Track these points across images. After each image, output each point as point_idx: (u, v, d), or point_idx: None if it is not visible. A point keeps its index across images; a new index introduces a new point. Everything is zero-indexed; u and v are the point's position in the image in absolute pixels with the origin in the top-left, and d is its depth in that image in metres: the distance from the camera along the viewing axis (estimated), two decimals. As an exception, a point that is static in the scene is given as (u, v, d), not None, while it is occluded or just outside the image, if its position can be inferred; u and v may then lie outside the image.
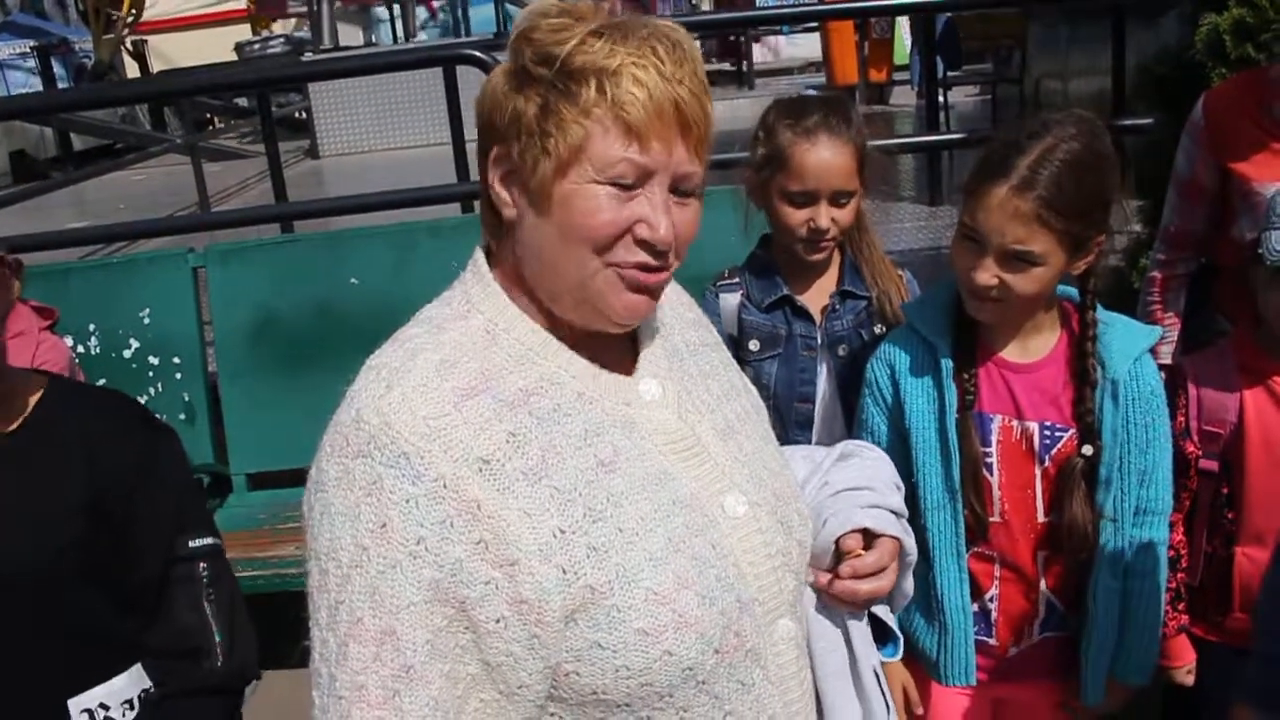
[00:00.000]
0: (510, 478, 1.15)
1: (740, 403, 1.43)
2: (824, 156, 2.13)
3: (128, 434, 1.81)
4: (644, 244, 1.20)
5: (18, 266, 1.74)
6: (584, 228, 1.19)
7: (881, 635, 1.51)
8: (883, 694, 1.44)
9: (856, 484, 1.48)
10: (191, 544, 1.80)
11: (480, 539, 1.13)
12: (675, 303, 1.46)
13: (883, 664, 1.48)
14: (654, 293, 1.25)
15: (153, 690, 1.79)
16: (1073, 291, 2.03)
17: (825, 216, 2.16)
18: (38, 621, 1.70)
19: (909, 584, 1.54)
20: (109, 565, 1.74)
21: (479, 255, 1.32)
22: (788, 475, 1.42)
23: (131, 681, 1.78)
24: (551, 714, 1.19)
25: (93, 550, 1.72)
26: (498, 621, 1.13)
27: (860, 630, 1.44)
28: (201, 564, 1.80)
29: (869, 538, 1.43)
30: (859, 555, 1.41)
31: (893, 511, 1.47)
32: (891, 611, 1.54)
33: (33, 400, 1.77)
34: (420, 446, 1.13)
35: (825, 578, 1.41)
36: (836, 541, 1.41)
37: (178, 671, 1.78)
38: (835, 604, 1.42)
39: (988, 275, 1.90)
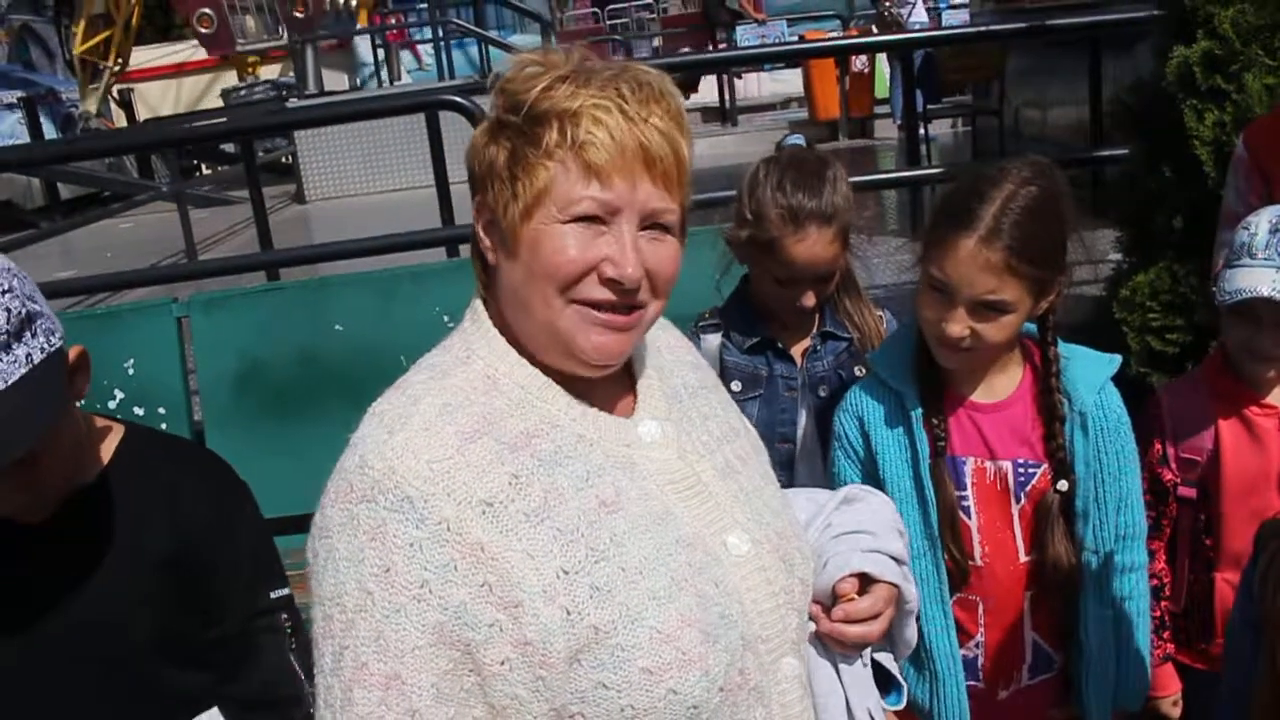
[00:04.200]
0: (513, 519, 1.16)
1: (740, 443, 1.44)
2: (814, 250, 2.13)
3: (210, 487, 1.78)
4: (611, 282, 1.21)
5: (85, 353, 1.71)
6: (549, 266, 1.20)
7: (886, 682, 1.50)
8: None
9: (858, 528, 1.48)
10: (273, 594, 1.78)
11: (484, 581, 1.14)
12: (675, 346, 1.47)
13: (884, 710, 1.47)
14: (626, 333, 1.25)
15: None
16: (1031, 327, 2.04)
17: (810, 298, 2.18)
18: (106, 679, 1.68)
19: (911, 631, 1.53)
20: (185, 619, 1.72)
21: (477, 303, 1.33)
22: (789, 514, 1.42)
23: None
24: None
25: (170, 603, 1.70)
26: (503, 664, 1.14)
27: (853, 674, 1.43)
28: (282, 614, 1.79)
29: (867, 582, 1.42)
30: (852, 599, 1.40)
31: (893, 557, 1.47)
32: (895, 659, 1.53)
33: (109, 450, 1.74)
34: (424, 490, 1.14)
35: (818, 613, 1.41)
36: (833, 588, 1.41)
37: None
38: (830, 645, 1.42)
39: (959, 327, 1.89)
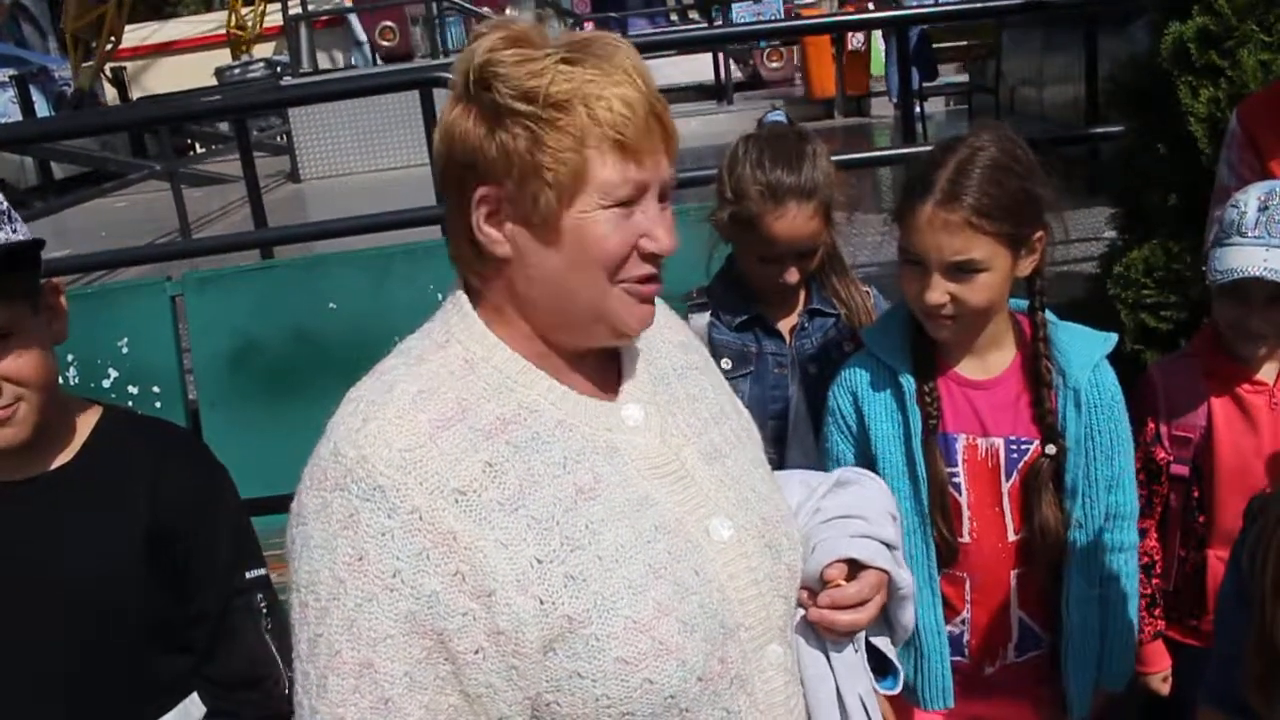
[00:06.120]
0: (487, 508, 1.16)
1: (730, 425, 1.43)
2: (794, 226, 2.13)
3: (189, 466, 1.79)
4: (650, 257, 1.24)
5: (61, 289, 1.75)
6: (598, 253, 1.21)
7: (882, 666, 1.49)
8: None
9: (848, 512, 1.46)
10: (248, 574, 1.79)
11: (457, 570, 1.13)
12: (664, 324, 1.45)
13: (878, 695, 1.46)
14: (654, 301, 1.29)
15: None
16: (1022, 304, 2.05)
17: (793, 274, 2.18)
18: (89, 657, 1.69)
19: (908, 616, 1.51)
20: (165, 599, 1.72)
21: (458, 288, 1.31)
22: (778, 499, 1.41)
23: (181, 719, 1.77)
24: None
25: (149, 584, 1.71)
26: (476, 653, 1.14)
27: (844, 660, 1.41)
28: (258, 594, 1.80)
29: (856, 568, 1.41)
30: (839, 585, 1.39)
31: (885, 543, 1.45)
32: (893, 644, 1.52)
33: (88, 429, 1.75)
34: (396, 479, 1.14)
35: (806, 600, 1.39)
36: (821, 574, 1.40)
37: (250, 701, 1.77)
38: (819, 632, 1.40)
39: (938, 294, 1.90)
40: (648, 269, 1.24)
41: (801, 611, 1.39)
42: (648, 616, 1.17)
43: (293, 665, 1.21)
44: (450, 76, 1.26)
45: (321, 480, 1.17)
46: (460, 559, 1.13)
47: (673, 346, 1.45)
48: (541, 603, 1.14)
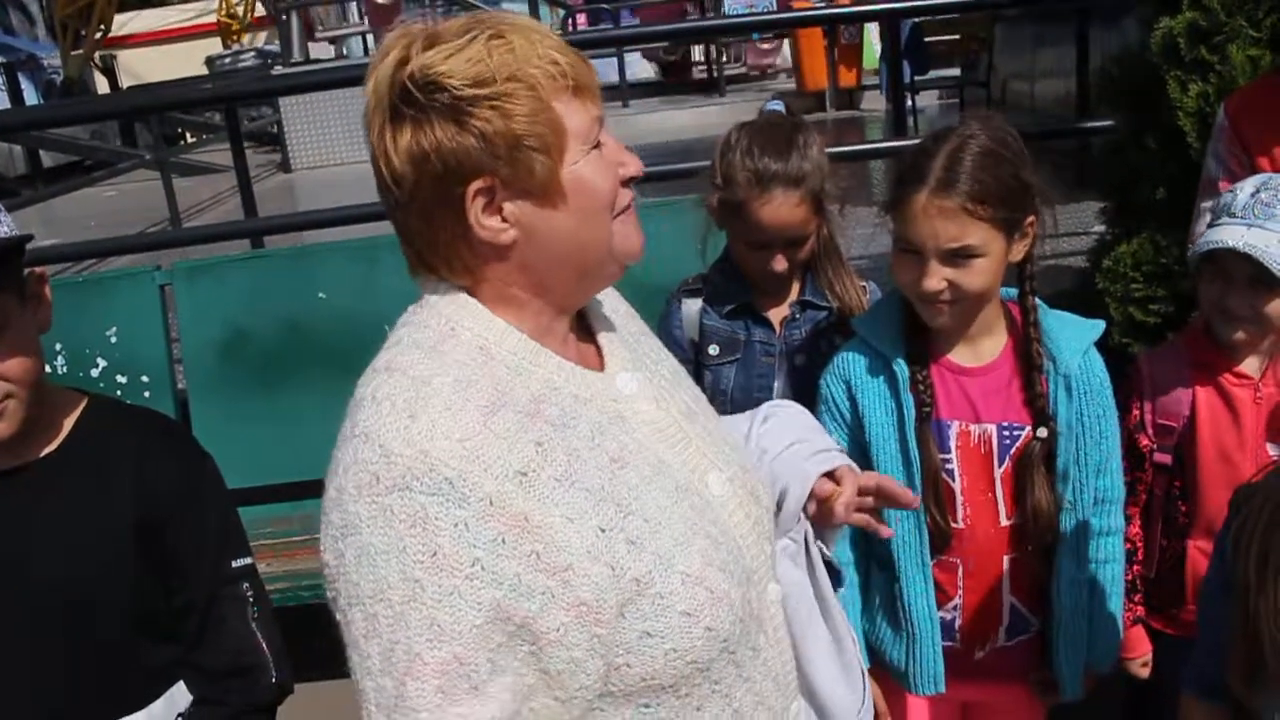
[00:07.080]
0: (548, 486, 1.18)
1: (689, 384, 1.49)
2: (779, 213, 2.14)
3: (174, 454, 1.79)
4: (627, 182, 1.29)
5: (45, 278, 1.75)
6: (599, 195, 1.25)
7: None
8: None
9: (793, 439, 1.56)
10: (235, 564, 1.80)
11: (533, 550, 1.15)
12: (609, 294, 1.48)
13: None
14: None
15: (208, 708, 1.78)
16: (1013, 292, 2.07)
17: (781, 262, 2.20)
18: (75, 647, 1.68)
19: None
20: (151, 588, 1.72)
21: (439, 292, 1.29)
22: (743, 448, 1.49)
23: (168, 707, 1.77)
24: (597, 709, 1.21)
25: (135, 573, 1.70)
26: (558, 629, 1.15)
27: (825, 581, 1.54)
28: (245, 583, 1.80)
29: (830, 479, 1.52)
30: (839, 493, 1.50)
31: (828, 450, 1.57)
32: (826, 546, 1.60)
33: (72, 418, 1.75)
34: (461, 469, 1.14)
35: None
36: (814, 494, 1.50)
37: (237, 690, 1.78)
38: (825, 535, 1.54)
39: (935, 280, 1.92)
40: (629, 193, 1.29)
41: (788, 542, 1.49)
42: (696, 569, 1.22)
43: (359, 683, 1.17)
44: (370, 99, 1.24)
45: (373, 485, 1.14)
46: (534, 539, 1.15)
47: (623, 315, 1.48)
48: (613, 570, 1.17)
